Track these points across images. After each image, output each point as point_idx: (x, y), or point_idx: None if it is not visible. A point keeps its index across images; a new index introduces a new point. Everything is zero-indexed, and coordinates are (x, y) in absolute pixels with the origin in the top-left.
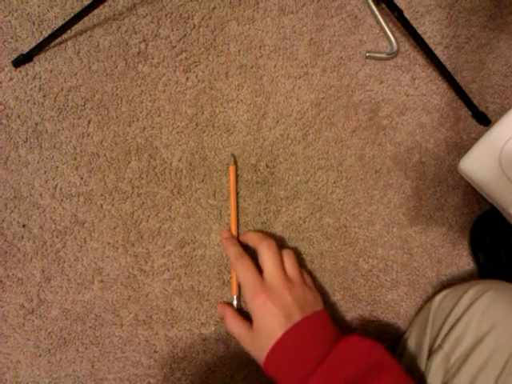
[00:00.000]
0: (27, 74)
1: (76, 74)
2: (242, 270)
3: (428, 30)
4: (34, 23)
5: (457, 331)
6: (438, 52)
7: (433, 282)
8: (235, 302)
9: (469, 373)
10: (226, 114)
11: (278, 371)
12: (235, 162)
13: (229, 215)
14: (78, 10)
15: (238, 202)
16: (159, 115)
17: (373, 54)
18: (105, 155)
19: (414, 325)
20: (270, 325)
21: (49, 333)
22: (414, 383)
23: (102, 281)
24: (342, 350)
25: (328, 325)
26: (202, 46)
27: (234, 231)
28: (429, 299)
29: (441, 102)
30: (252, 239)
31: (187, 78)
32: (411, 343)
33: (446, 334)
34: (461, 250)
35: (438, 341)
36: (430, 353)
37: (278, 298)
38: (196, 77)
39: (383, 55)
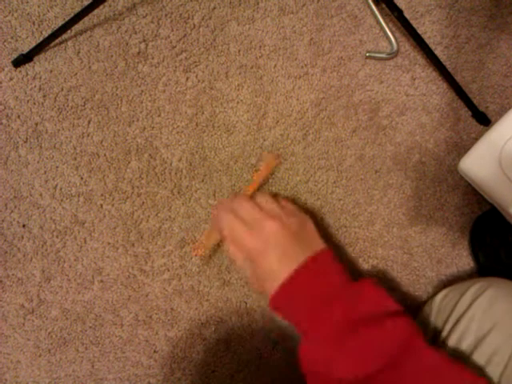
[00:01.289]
0: (27, 74)
1: (76, 73)
2: (242, 204)
3: (428, 29)
4: (34, 23)
5: (459, 329)
6: (438, 52)
7: (433, 282)
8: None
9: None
10: (225, 113)
11: (293, 302)
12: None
13: None
14: (78, 9)
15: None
16: (159, 115)
17: (373, 54)
18: (105, 155)
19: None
20: (288, 250)
21: (49, 333)
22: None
23: (101, 281)
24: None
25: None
26: (202, 45)
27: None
28: (429, 299)
29: (441, 102)
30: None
31: (187, 78)
32: None
33: (449, 332)
34: (461, 250)
35: (442, 338)
36: None
37: (290, 228)
38: (196, 77)
39: (383, 55)
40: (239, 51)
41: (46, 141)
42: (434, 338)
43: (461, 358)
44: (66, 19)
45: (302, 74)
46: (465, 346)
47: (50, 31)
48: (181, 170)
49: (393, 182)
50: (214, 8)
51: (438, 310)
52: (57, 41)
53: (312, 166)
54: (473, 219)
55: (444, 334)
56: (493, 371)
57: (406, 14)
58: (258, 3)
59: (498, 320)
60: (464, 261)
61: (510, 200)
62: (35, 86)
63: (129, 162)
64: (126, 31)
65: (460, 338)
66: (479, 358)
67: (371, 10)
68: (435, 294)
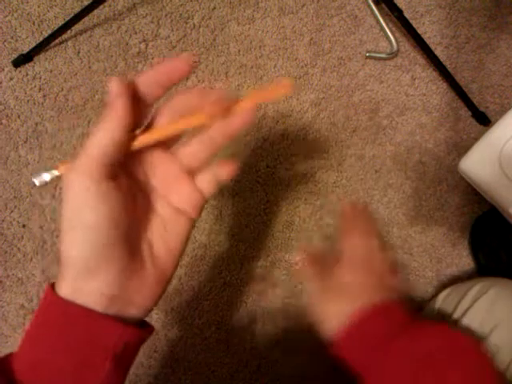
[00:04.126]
0: (27, 74)
1: (76, 74)
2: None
3: (428, 30)
4: (34, 23)
5: (461, 328)
6: (438, 52)
7: (433, 282)
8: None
9: None
10: None
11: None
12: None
13: (229, 215)
14: (77, 10)
15: None
16: None
17: (373, 54)
18: None
19: None
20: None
21: None
22: None
23: None
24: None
25: None
26: (202, 45)
27: None
28: (429, 300)
29: (441, 102)
30: None
31: (187, 78)
32: None
33: None
34: (461, 250)
35: None
36: None
37: None
38: (196, 77)
39: (383, 55)
40: (239, 51)
41: (46, 141)
42: None
43: None
44: (66, 19)
45: (302, 74)
46: None
47: (50, 31)
48: None
49: (393, 182)
50: (214, 8)
51: (439, 310)
52: (57, 41)
53: (312, 166)
54: (473, 219)
55: None
56: None
57: (406, 14)
58: (258, 3)
59: (500, 320)
60: (464, 261)
61: (510, 200)
62: (35, 86)
63: None
64: (126, 31)
65: None
66: None
67: (371, 9)
68: (436, 293)
